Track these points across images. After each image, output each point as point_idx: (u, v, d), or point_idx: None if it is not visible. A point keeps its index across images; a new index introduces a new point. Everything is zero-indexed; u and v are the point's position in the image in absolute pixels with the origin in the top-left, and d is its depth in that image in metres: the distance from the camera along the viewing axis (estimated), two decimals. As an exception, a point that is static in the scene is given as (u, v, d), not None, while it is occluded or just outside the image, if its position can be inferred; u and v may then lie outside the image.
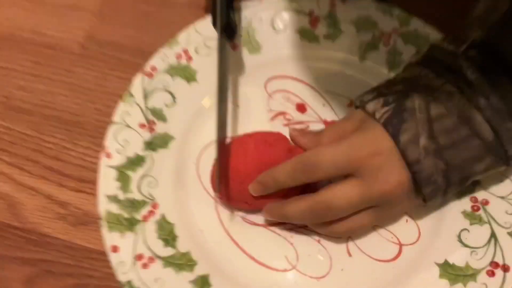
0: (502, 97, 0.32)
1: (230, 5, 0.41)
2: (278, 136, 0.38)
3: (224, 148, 0.37)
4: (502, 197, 0.37)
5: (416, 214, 0.38)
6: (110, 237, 0.37)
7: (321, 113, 0.42)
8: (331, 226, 0.35)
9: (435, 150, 0.32)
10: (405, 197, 0.34)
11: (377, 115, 0.34)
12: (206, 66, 0.43)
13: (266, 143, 0.37)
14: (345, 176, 0.34)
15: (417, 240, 0.38)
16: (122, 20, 0.48)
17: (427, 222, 0.38)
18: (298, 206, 0.35)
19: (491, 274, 0.35)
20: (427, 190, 0.33)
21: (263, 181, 0.36)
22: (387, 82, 0.37)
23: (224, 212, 0.39)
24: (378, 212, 0.35)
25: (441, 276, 0.36)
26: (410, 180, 0.33)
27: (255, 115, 0.42)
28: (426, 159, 0.32)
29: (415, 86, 0.35)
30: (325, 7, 0.44)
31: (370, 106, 0.35)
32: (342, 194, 0.33)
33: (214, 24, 0.41)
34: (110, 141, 0.40)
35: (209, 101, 0.43)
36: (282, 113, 0.43)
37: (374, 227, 0.38)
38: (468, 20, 0.36)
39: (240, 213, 0.39)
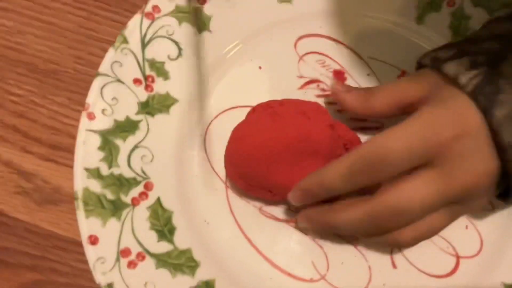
0: None
1: None
2: (316, 107, 0.30)
3: (247, 118, 0.29)
4: None
5: (478, 219, 0.31)
6: (87, 224, 0.28)
7: (363, 84, 0.34)
8: (394, 235, 0.26)
9: None
10: (487, 192, 0.26)
11: (462, 80, 0.25)
12: (223, 12, 0.34)
13: (304, 115, 0.29)
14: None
15: (479, 252, 0.30)
16: None
17: (493, 230, 0.30)
18: (352, 214, 0.26)
19: None
20: None
21: (308, 188, 0.27)
22: (469, 39, 0.28)
23: (237, 200, 0.31)
24: (455, 210, 0.26)
25: (511, 301, 0.28)
26: (499, 169, 0.25)
27: (280, 81, 0.34)
28: None
29: None
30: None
31: (451, 68, 0.26)
32: (414, 193, 0.24)
33: None
34: (94, 98, 0.31)
35: (227, 57, 0.33)
36: (315, 81, 0.34)
37: (425, 232, 0.30)
38: None
39: (257, 203, 0.31)
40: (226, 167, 0.30)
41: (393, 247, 0.29)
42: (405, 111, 0.28)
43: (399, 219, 0.25)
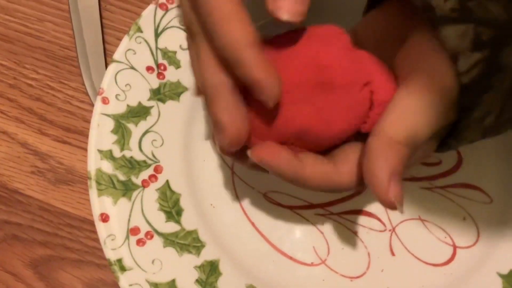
0: None
1: None
2: (333, 30, 0.24)
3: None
4: None
5: (476, 211, 0.32)
6: (99, 203, 0.29)
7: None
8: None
9: (492, 127, 0.23)
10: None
11: (461, 66, 0.21)
12: (235, 5, 0.35)
13: (320, 39, 0.23)
14: None
15: (475, 242, 0.31)
16: None
17: (489, 222, 0.31)
18: (318, 179, 0.23)
19: None
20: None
21: (280, 171, 0.23)
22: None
23: (242, 186, 0.32)
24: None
25: (505, 290, 0.29)
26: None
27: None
28: (476, 138, 0.23)
29: None
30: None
31: (451, 37, 0.20)
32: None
33: None
34: (108, 84, 0.32)
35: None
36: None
37: (424, 221, 0.31)
38: None
39: (262, 189, 0.32)
40: None
41: None
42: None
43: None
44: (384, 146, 0.22)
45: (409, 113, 0.22)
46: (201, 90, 0.23)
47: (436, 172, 0.32)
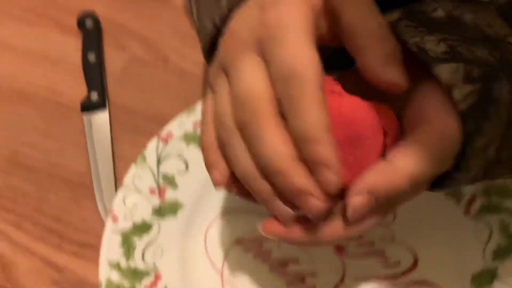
0: None
1: None
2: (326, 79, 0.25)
3: None
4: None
5: None
6: (108, 308, 0.34)
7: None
8: None
9: (492, 163, 0.25)
10: None
11: (456, 95, 0.23)
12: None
13: (333, 93, 0.25)
14: None
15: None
16: (141, 87, 0.48)
17: None
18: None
19: None
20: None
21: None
22: (456, 26, 0.25)
23: (231, 289, 0.37)
24: None
25: None
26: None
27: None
28: (478, 170, 0.25)
29: (504, 62, 0.24)
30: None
31: (445, 73, 0.23)
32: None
33: None
34: (118, 205, 0.39)
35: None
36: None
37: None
38: None
39: (248, 292, 0.37)
40: None
41: None
42: None
43: None
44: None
45: (415, 155, 0.23)
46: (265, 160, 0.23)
47: (396, 271, 0.38)
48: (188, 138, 0.42)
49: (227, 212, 0.40)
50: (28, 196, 0.42)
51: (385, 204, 0.25)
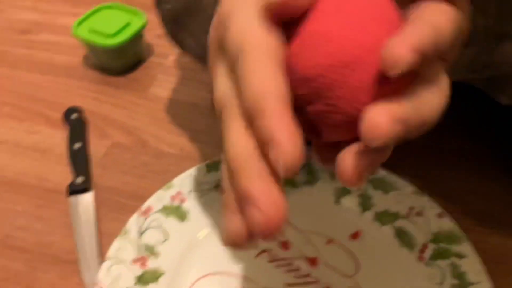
0: None
1: None
2: None
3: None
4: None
5: None
6: None
7: (304, 250, 0.46)
8: None
9: None
10: None
11: None
12: (198, 206, 0.47)
13: None
14: None
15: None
16: (122, 169, 0.53)
17: None
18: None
19: None
20: None
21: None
22: None
23: None
24: None
25: None
26: None
27: (240, 253, 0.46)
28: None
29: None
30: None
31: None
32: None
33: None
34: (103, 276, 0.42)
35: (202, 236, 0.46)
36: (267, 251, 0.46)
37: None
38: None
39: None
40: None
41: None
42: None
43: None
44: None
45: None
46: (227, 162, 0.20)
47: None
48: (166, 211, 0.47)
49: (207, 276, 0.44)
50: (19, 275, 0.45)
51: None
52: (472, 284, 0.41)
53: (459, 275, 0.42)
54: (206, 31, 0.25)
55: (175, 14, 0.40)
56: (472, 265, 0.42)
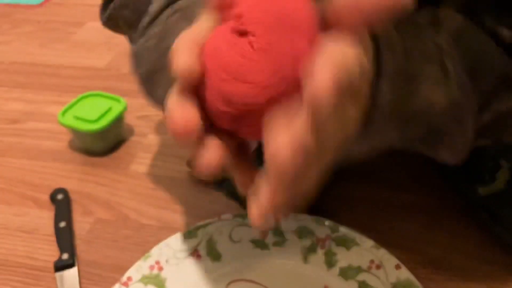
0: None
1: None
2: None
3: None
4: None
5: None
6: None
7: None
8: None
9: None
10: None
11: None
12: (175, 273, 0.51)
13: None
14: None
15: None
16: (105, 243, 0.57)
17: None
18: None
19: None
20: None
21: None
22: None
23: None
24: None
25: None
26: None
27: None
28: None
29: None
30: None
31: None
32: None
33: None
34: None
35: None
36: (241, 312, 0.49)
37: None
38: None
39: None
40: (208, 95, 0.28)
41: None
42: None
43: None
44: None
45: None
46: None
47: None
48: (145, 280, 0.50)
49: None
50: None
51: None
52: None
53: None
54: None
55: (147, 75, 0.48)
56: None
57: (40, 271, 0.54)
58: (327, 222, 0.54)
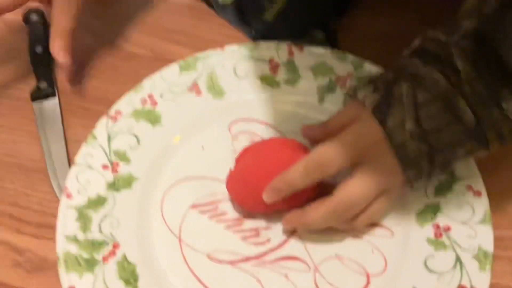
0: (486, 84, 0.33)
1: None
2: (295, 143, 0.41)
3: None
4: (463, 222, 0.38)
5: (382, 244, 0.38)
6: (67, 278, 0.35)
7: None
8: (353, 222, 0.37)
9: (419, 134, 0.34)
10: (400, 178, 0.36)
11: (367, 102, 0.36)
12: (171, 110, 0.44)
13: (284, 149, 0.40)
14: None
15: (384, 270, 0.37)
16: (90, 73, 0.49)
17: (393, 251, 0.38)
18: (318, 212, 0.36)
19: (460, 297, 0.35)
20: (411, 173, 0.35)
21: (276, 187, 0.37)
22: (380, 73, 0.39)
23: (189, 251, 0.38)
24: (390, 193, 0.37)
25: (410, 303, 0.35)
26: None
27: (220, 156, 0.43)
28: (411, 143, 0.34)
29: (404, 74, 0.36)
30: (284, 55, 0.47)
31: (361, 93, 0.37)
32: (357, 189, 0.36)
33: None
34: (71, 182, 0.39)
35: (176, 141, 0.43)
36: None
37: (340, 258, 0.38)
38: (460, 12, 0.36)
39: (206, 251, 0.38)
40: (231, 192, 0.40)
41: (357, 228, 0.38)
42: None
43: (352, 209, 0.36)
44: None
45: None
46: None
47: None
48: (137, 114, 0.44)
49: (182, 180, 0.42)
50: (-15, 186, 0.42)
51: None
52: (461, 179, 0.39)
53: (448, 171, 0.40)
54: None
55: None
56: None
57: (16, 101, 0.47)
58: (350, 57, 0.46)
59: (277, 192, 0.37)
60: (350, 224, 0.37)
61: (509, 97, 0.33)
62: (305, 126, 0.42)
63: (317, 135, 0.41)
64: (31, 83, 0.48)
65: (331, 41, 0.47)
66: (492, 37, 0.33)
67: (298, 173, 0.36)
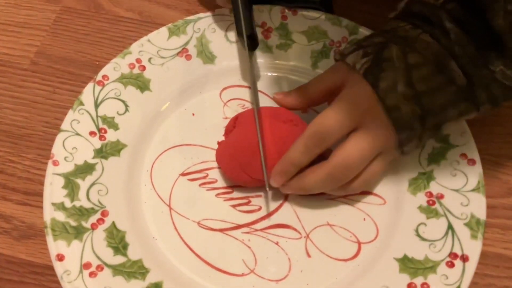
0: (477, 47, 0.33)
1: (252, 16, 0.43)
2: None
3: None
4: (456, 190, 0.37)
5: (373, 212, 0.38)
6: (55, 246, 0.35)
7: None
8: (350, 185, 0.37)
9: (412, 96, 0.34)
10: (395, 141, 0.36)
11: (357, 66, 0.35)
12: (160, 75, 0.43)
13: (290, 122, 0.39)
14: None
15: (376, 237, 0.37)
16: (75, 36, 0.47)
17: (385, 219, 0.38)
18: (317, 176, 0.36)
19: (451, 265, 0.34)
20: (403, 136, 0.35)
21: (282, 170, 0.36)
22: (367, 36, 0.38)
23: (179, 218, 0.38)
24: (384, 157, 0.37)
25: (401, 271, 0.35)
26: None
27: (210, 122, 0.42)
28: (404, 105, 0.34)
29: (393, 37, 0.36)
30: (276, 19, 0.45)
31: (350, 59, 0.36)
32: (354, 151, 0.35)
33: (239, 34, 0.43)
34: (58, 149, 0.38)
35: (165, 108, 0.42)
36: (237, 120, 0.42)
37: (332, 226, 0.37)
38: None
39: (196, 219, 0.38)
40: (220, 165, 0.39)
41: (354, 192, 0.38)
42: (333, 95, 0.38)
43: (350, 171, 0.36)
44: None
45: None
46: None
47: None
48: (124, 80, 0.42)
49: (171, 148, 0.41)
50: (-31, 153, 0.41)
51: None
52: (455, 147, 0.39)
53: (441, 139, 0.39)
54: None
55: None
56: (456, 126, 0.39)
57: (0, 66, 0.46)
58: (344, 22, 0.44)
59: (284, 174, 0.37)
60: (346, 190, 0.37)
61: (496, 60, 0.33)
62: (277, 93, 0.41)
63: (294, 101, 0.40)
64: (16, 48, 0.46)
65: (326, 5, 0.46)
66: (478, 1, 0.33)
67: (299, 152, 0.36)
